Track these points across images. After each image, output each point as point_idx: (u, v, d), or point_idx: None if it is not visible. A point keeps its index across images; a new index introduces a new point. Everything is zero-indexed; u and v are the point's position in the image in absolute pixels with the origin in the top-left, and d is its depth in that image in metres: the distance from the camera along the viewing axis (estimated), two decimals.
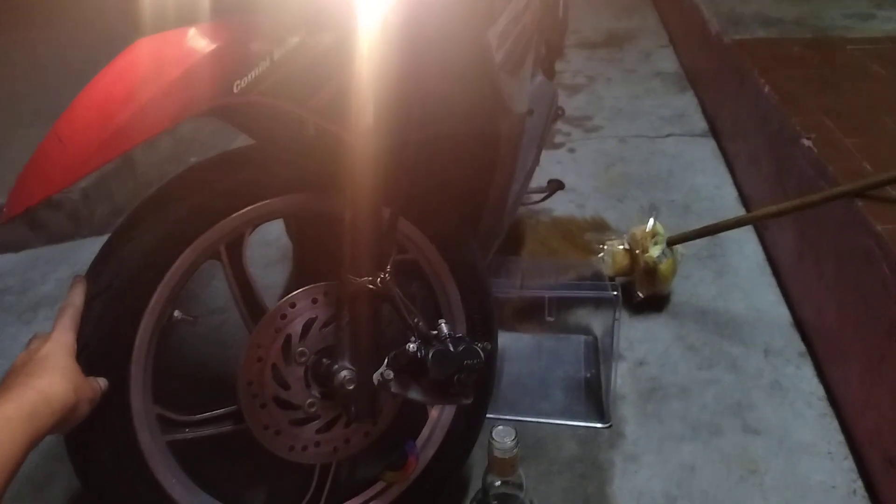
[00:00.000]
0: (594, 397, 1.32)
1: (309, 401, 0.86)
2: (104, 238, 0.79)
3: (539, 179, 2.12)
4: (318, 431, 0.88)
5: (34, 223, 1.92)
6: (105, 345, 0.75)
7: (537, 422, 1.27)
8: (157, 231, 0.76)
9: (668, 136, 2.48)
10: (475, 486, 1.13)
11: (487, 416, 1.20)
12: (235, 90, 0.70)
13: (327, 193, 0.85)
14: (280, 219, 1.09)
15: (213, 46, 0.68)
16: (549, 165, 2.29)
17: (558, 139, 2.50)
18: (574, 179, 2.19)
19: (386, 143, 0.78)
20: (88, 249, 1.89)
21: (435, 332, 0.83)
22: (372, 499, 0.96)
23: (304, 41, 0.73)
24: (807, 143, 1.47)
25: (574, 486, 1.14)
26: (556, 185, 1.89)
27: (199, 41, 0.69)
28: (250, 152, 0.83)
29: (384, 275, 0.81)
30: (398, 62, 0.75)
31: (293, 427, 0.86)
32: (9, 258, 1.91)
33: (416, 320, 0.83)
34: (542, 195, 1.90)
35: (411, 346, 0.80)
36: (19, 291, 1.75)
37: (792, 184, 1.55)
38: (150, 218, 0.77)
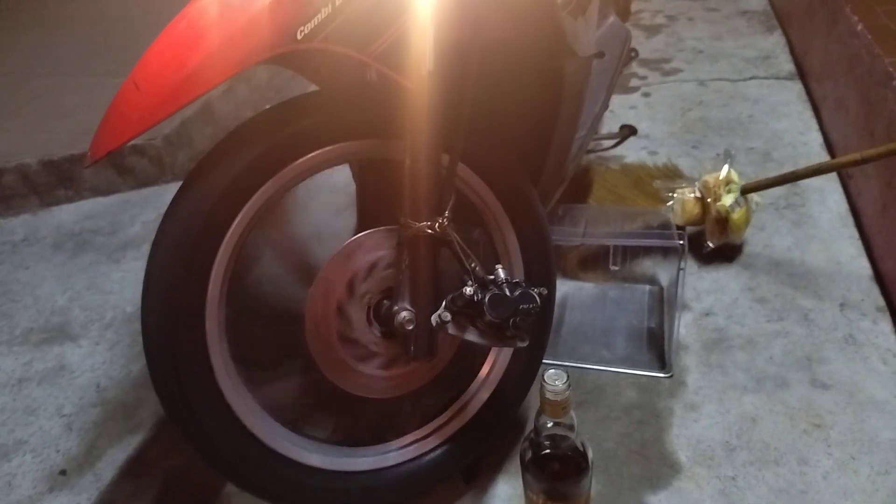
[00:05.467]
0: (656, 347, 1.31)
1: (371, 339, 0.90)
2: None
3: (611, 125, 2.08)
4: (379, 368, 0.92)
5: (122, 169, 2.03)
6: (179, 292, 0.80)
7: (597, 369, 1.28)
8: (227, 176, 0.80)
9: (751, 78, 2.36)
10: (531, 427, 1.17)
11: (547, 361, 1.23)
12: (299, 37, 0.72)
13: (388, 140, 0.87)
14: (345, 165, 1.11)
15: None
16: (623, 110, 2.23)
17: (633, 83, 2.42)
18: (648, 125, 2.12)
19: (445, 89, 0.78)
20: (172, 194, 1.99)
21: (492, 276, 0.85)
22: (430, 434, 1.01)
23: None
24: None
25: (631, 431, 1.16)
26: (628, 131, 1.85)
27: None
28: (312, 99, 0.85)
29: (442, 219, 0.83)
30: (457, 6, 0.75)
31: (357, 362, 0.90)
32: (100, 201, 2.04)
33: (473, 264, 0.85)
34: (614, 141, 1.87)
35: (468, 290, 0.82)
36: (109, 232, 1.88)
37: (881, 129, 1.45)
38: (219, 164, 0.80)
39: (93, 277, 1.69)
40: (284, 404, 1.17)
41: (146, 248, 0.83)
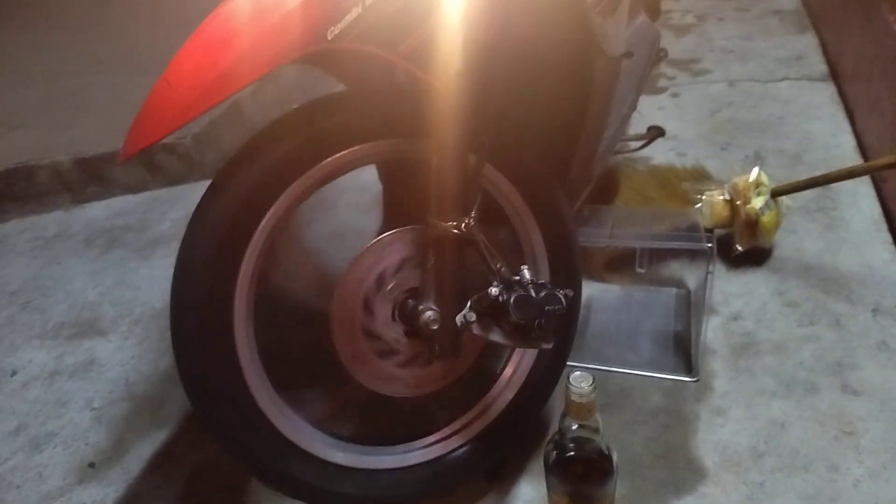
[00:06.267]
0: (683, 351, 1.30)
1: (396, 338, 0.90)
2: None
3: (639, 126, 2.06)
4: (404, 366, 0.92)
5: (152, 166, 2.06)
6: (208, 289, 0.81)
7: (623, 372, 1.27)
8: (256, 175, 0.80)
9: (782, 79, 2.32)
10: (554, 429, 1.16)
11: (572, 364, 1.22)
12: (329, 37, 0.73)
13: (415, 139, 0.87)
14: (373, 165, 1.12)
15: None
16: (651, 111, 2.21)
17: (662, 83, 2.39)
18: (676, 126, 2.10)
19: (473, 89, 0.78)
20: (201, 192, 2.01)
21: (517, 277, 0.84)
22: (454, 433, 1.01)
23: None
24: None
25: (657, 435, 1.14)
26: (656, 132, 1.82)
27: None
28: (341, 98, 0.86)
29: (469, 220, 0.83)
30: (486, 6, 0.75)
31: (379, 359, 0.91)
32: (129, 199, 2.08)
33: (498, 265, 0.84)
34: (641, 142, 1.85)
35: (493, 290, 0.81)
36: (139, 229, 1.91)
37: None
38: (248, 164, 0.81)
39: (123, 274, 1.72)
40: (310, 401, 1.18)
41: (175, 246, 0.83)
